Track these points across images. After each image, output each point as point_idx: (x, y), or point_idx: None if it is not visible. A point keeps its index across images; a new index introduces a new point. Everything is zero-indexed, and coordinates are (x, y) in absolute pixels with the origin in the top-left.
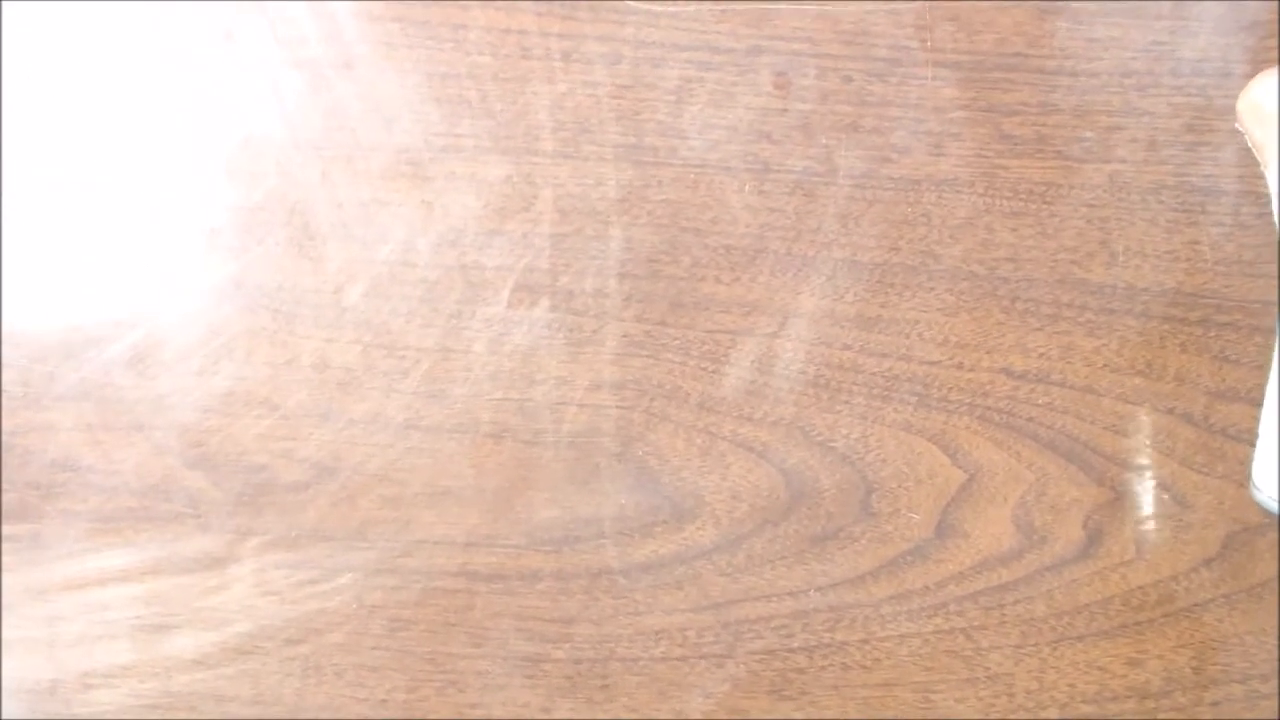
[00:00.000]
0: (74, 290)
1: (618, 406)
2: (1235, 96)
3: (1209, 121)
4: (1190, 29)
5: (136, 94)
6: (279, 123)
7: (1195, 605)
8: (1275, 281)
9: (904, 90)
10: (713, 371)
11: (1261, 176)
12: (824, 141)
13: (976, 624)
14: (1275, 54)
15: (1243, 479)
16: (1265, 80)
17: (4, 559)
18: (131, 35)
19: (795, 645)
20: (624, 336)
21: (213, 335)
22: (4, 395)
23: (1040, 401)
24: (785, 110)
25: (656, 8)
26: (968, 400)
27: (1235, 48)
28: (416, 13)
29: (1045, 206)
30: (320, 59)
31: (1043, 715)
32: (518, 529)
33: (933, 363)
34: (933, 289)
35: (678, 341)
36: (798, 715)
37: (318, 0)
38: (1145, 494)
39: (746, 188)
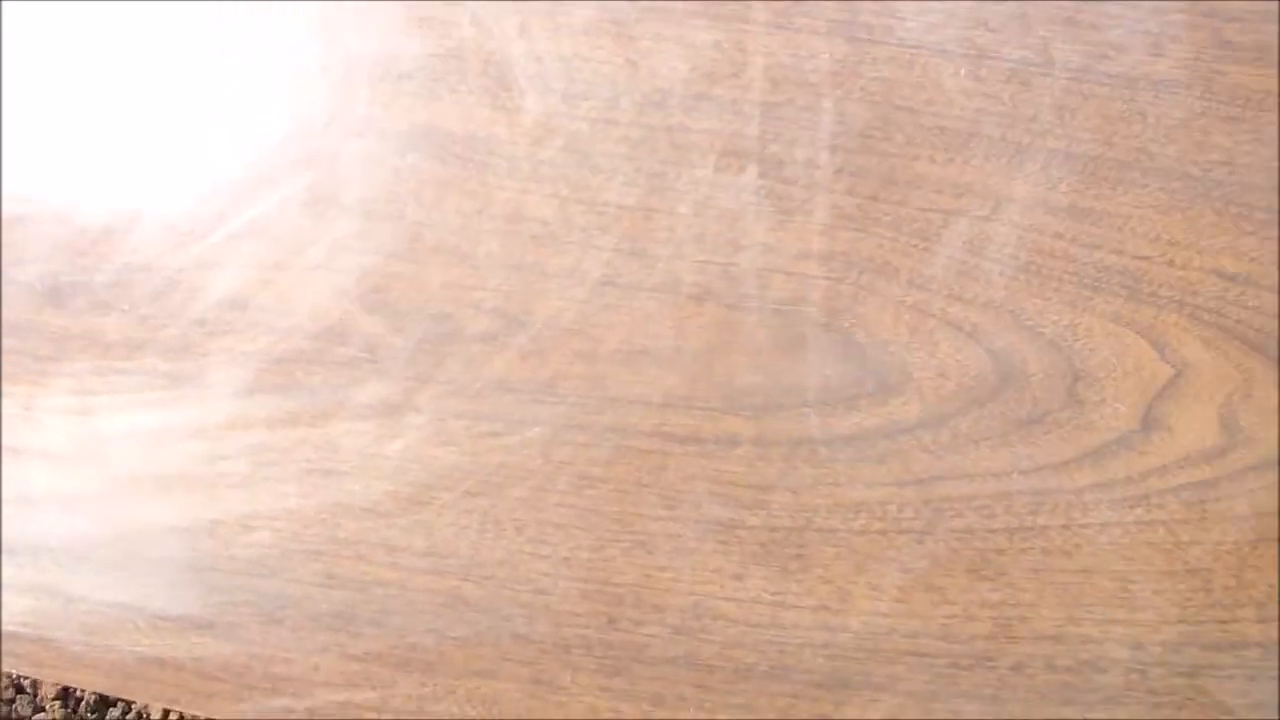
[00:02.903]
0: (247, 128)
1: (825, 277)
2: None
3: None
4: None
5: None
6: None
7: None
8: None
9: None
10: (923, 249)
11: None
12: (1041, 33)
13: (1178, 518)
14: None
15: None
16: None
17: (164, 393)
18: None
19: (996, 526)
20: (834, 208)
21: (398, 180)
22: (172, 230)
23: (1251, 304)
24: None
25: None
26: (1177, 297)
27: None
28: None
29: (1262, 114)
30: None
31: (1239, 613)
32: (717, 392)
33: (1144, 258)
34: (1146, 186)
35: (889, 217)
36: (994, 595)
37: None
38: None
39: (962, 72)
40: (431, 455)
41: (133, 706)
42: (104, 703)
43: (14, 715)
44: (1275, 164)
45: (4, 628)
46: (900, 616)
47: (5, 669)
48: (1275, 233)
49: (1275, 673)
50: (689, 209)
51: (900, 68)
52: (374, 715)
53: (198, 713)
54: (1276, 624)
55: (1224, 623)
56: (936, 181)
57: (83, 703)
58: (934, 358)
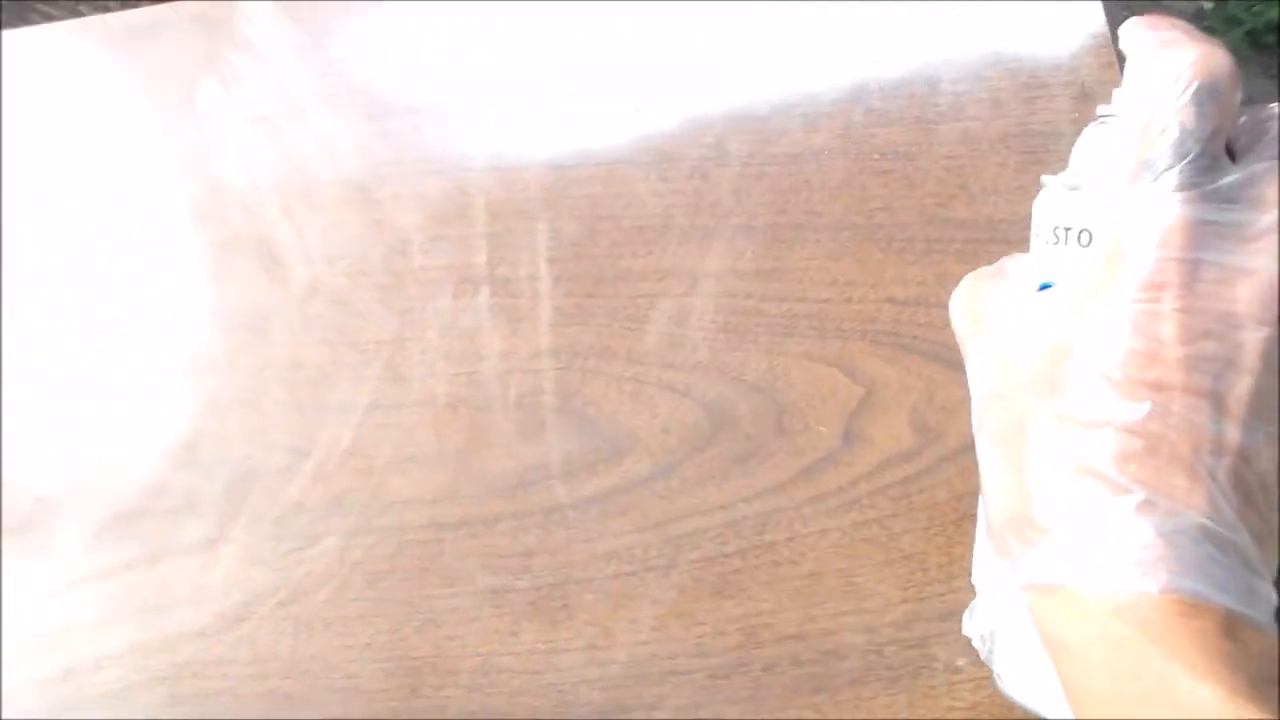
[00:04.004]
0: (68, 328)
1: (556, 368)
2: (1064, 55)
3: (1041, 79)
4: (1019, 9)
5: (114, 153)
6: (241, 170)
7: None
8: None
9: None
10: (636, 330)
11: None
12: (716, 132)
13: (888, 513)
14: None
15: None
16: (972, 279)
17: (20, 565)
18: (108, 104)
19: (730, 550)
20: (556, 310)
21: (197, 353)
22: (9, 424)
23: (921, 321)
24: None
25: None
26: (859, 327)
27: (1058, 19)
28: (354, 64)
29: (909, 163)
30: (274, 114)
31: (954, 584)
32: (477, 481)
33: (825, 300)
34: (819, 240)
35: (603, 309)
36: (738, 610)
37: (267, 64)
38: None
39: (651, 176)
40: (247, 576)
41: None
42: None
43: None
44: (925, 202)
45: None
46: (659, 643)
47: None
48: (933, 258)
49: None
50: (436, 333)
51: (599, 183)
52: None
53: None
54: None
55: (943, 595)
56: (641, 272)
57: None
58: (656, 418)
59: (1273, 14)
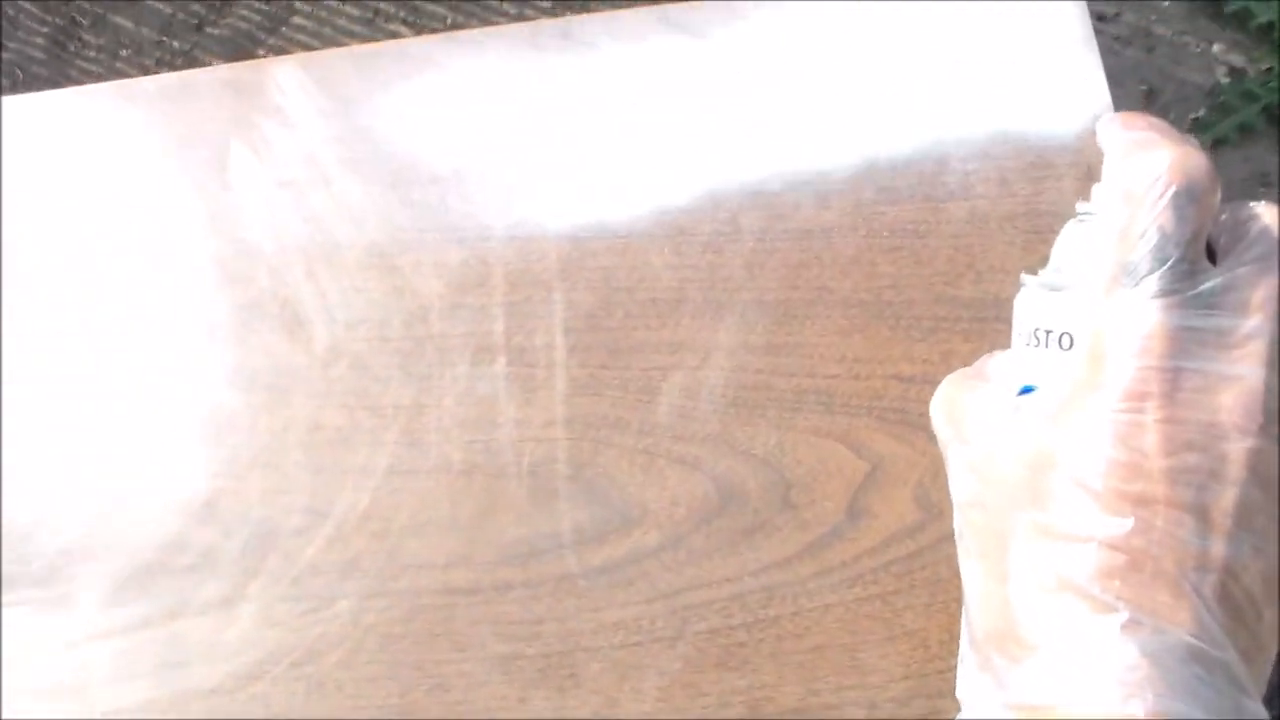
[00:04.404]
0: (92, 383)
1: (569, 438)
2: (1070, 136)
3: (1048, 159)
4: (1026, 89)
5: (145, 212)
6: (267, 232)
7: None
8: None
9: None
10: (647, 402)
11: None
12: (730, 207)
13: (890, 589)
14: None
15: None
16: (952, 383)
17: (38, 618)
18: (140, 163)
19: (735, 623)
20: (570, 380)
21: (218, 411)
22: (34, 476)
23: (928, 398)
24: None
25: None
26: (866, 404)
27: (1065, 99)
28: (379, 133)
29: (918, 240)
30: (300, 179)
31: (954, 662)
32: (490, 548)
33: (833, 376)
34: (829, 316)
35: (617, 380)
36: (742, 683)
37: (295, 130)
38: None
39: (666, 250)
40: (262, 636)
41: None
42: None
43: None
44: (933, 280)
45: None
46: (664, 714)
47: None
48: (940, 336)
49: None
50: (453, 400)
51: (615, 255)
52: None
53: None
54: None
55: (943, 671)
56: (654, 344)
57: None
58: (665, 490)
59: None
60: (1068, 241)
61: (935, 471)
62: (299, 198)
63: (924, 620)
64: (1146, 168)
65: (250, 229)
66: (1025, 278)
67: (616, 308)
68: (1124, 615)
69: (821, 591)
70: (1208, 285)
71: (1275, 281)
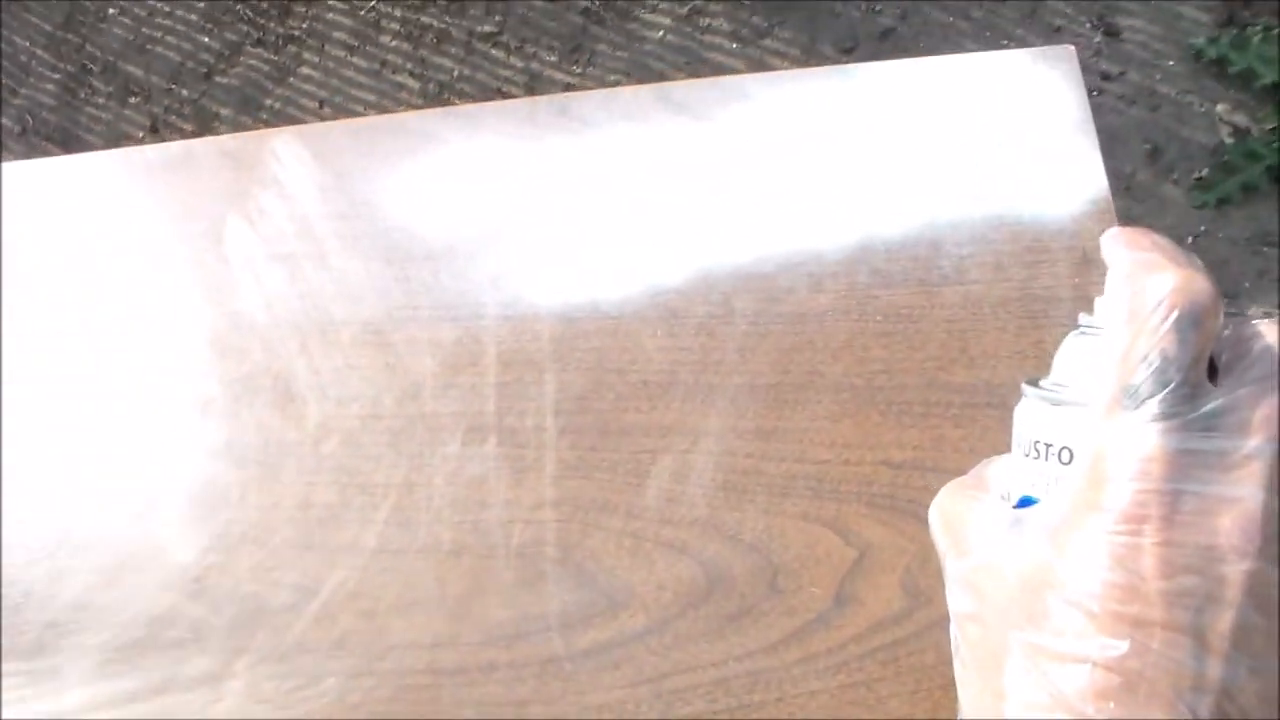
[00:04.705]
0: (86, 453)
1: (557, 520)
2: (1066, 220)
3: (1044, 243)
4: (1023, 173)
5: (141, 289)
6: (262, 305)
7: None
8: None
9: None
10: (636, 485)
11: (1095, 283)
12: (723, 290)
13: (875, 676)
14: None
15: None
16: (950, 492)
17: (26, 690)
18: (140, 231)
19: (719, 708)
20: (560, 462)
21: (211, 485)
22: (26, 548)
23: (918, 485)
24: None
25: None
26: (855, 490)
27: (1061, 183)
28: (376, 208)
29: (911, 325)
30: (297, 253)
31: None
32: (476, 629)
33: (823, 461)
34: (820, 401)
35: (606, 463)
36: None
37: (292, 202)
38: None
39: (659, 332)
40: (249, 713)
41: None
42: None
43: None
44: (925, 365)
45: None
46: None
47: None
48: (931, 422)
49: None
50: (443, 480)
51: (607, 336)
52: None
53: None
54: None
55: None
56: (644, 427)
57: None
58: (653, 574)
59: None
60: (1069, 354)
61: (923, 558)
62: (295, 271)
63: (908, 707)
64: (1151, 291)
65: (245, 301)
66: (1026, 388)
67: (607, 390)
68: None
69: (806, 678)
70: (1208, 407)
71: (1275, 402)
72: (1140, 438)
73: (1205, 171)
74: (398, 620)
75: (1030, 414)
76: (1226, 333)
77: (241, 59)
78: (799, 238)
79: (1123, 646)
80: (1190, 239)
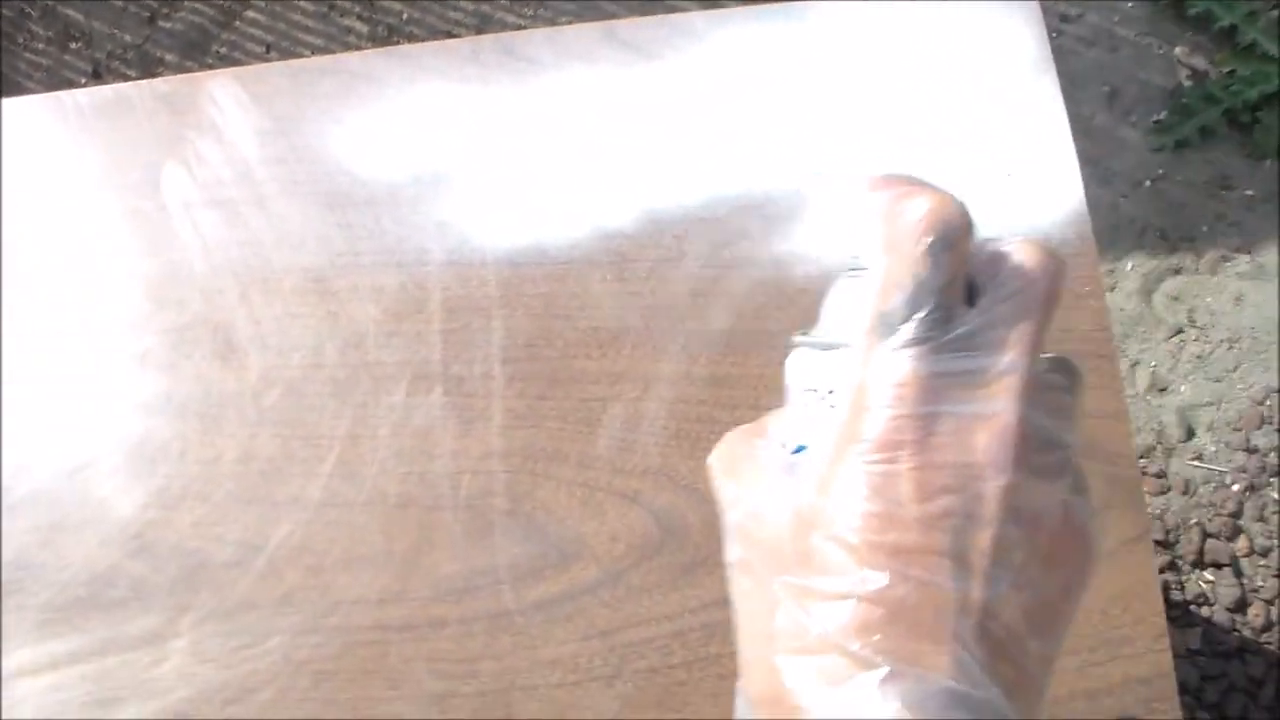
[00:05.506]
0: (17, 409)
1: (506, 471)
2: (1025, 163)
3: (1004, 184)
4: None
5: (74, 238)
6: (201, 254)
7: None
8: None
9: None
10: (587, 434)
11: None
12: (674, 233)
13: None
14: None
15: None
16: (732, 439)
17: None
18: (74, 181)
19: (675, 661)
20: (508, 411)
21: (147, 441)
22: None
23: None
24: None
25: None
26: None
27: (1023, 125)
28: (317, 152)
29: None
30: (235, 199)
31: None
32: (424, 583)
33: (775, 408)
34: (774, 347)
35: (556, 411)
36: None
37: (230, 147)
38: None
39: (608, 276)
40: (193, 672)
41: None
42: None
43: None
44: None
45: None
46: None
47: None
48: None
49: None
50: (388, 431)
51: (555, 281)
52: None
53: None
54: None
55: None
56: (594, 374)
57: None
58: (604, 525)
59: (1251, 93)
60: (836, 298)
61: None
62: (233, 218)
63: None
64: (905, 217)
65: (183, 250)
66: (794, 338)
67: (556, 336)
68: (884, 669)
69: None
70: (963, 329)
71: (1027, 317)
72: (895, 364)
73: (1163, 115)
74: (344, 576)
75: (799, 363)
76: (983, 256)
77: (186, 2)
78: (751, 179)
79: (883, 578)
80: (1148, 182)
